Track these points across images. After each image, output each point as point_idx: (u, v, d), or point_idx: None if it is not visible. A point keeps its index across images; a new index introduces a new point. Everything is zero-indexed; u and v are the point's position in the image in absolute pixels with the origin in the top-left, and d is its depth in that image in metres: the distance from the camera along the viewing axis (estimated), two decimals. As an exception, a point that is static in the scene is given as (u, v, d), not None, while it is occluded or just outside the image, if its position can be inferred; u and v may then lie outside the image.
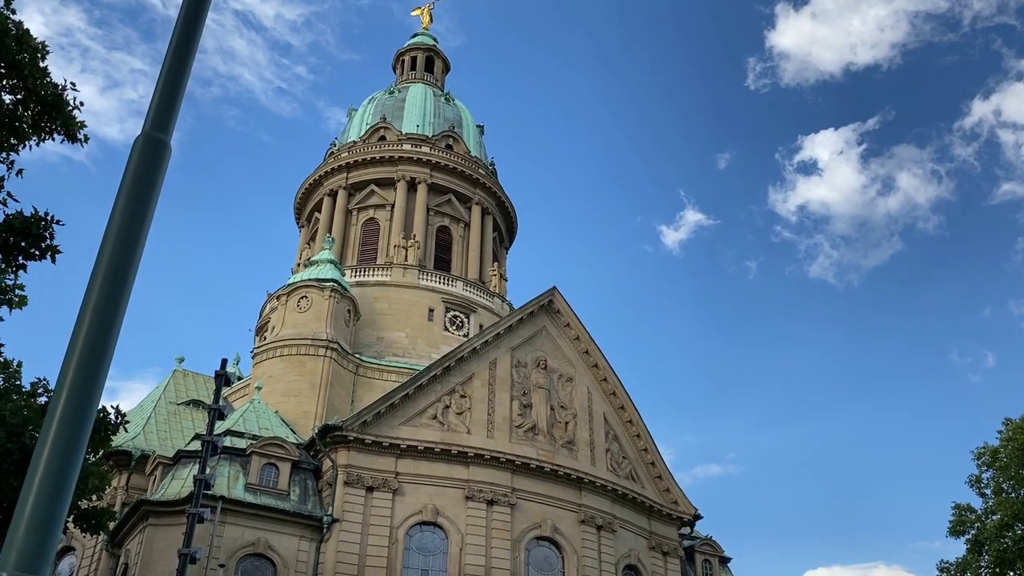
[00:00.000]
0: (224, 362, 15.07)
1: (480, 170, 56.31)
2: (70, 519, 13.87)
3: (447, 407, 38.82)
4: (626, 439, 43.44)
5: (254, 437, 36.22)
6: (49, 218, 11.31)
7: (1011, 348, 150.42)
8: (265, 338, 45.23)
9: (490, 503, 36.85)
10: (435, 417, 38.45)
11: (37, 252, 11.27)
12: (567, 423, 40.99)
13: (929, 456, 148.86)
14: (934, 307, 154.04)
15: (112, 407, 14.14)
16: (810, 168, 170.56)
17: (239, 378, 49.33)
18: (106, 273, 3.90)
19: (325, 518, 34.49)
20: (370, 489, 35.76)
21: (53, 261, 11.43)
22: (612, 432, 42.96)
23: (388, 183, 53.60)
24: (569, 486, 38.71)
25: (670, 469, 44.45)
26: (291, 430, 38.57)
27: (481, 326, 46.63)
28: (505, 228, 59.27)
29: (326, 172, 55.36)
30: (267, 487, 34.79)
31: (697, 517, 43.98)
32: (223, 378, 14.97)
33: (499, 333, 41.43)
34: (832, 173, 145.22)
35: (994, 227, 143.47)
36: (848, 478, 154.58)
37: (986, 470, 44.00)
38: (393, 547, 34.91)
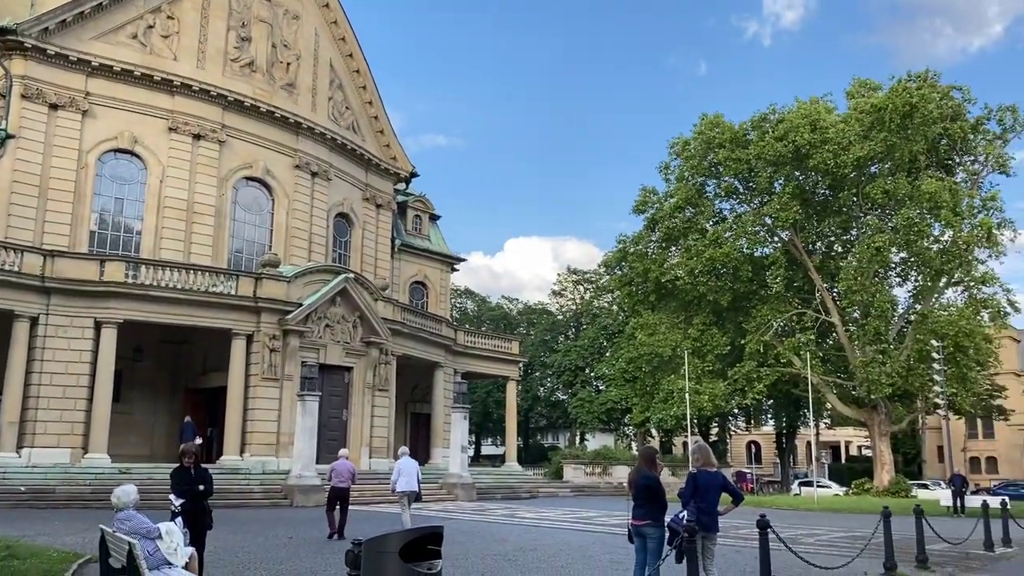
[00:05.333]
0: None
1: None
2: None
3: (151, 27, 34.30)
4: (351, 89, 41.85)
5: None
6: None
7: (723, 59, 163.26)
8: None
9: (197, 137, 34.50)
10: (135, 36, 33.93)
11: None
12: (289, 64, 38.29)
13: (632, 148, 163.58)
14: (663, 10, 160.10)
15: None
16: None
17: None
18: None
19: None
20: (54, 107, 31.71)
21: None
22: (337, 80, 41.03)
23: None
24: (286, 129, 37.12)
25: (398, 134, 44.15)
26: (-53, 25, 32.20)
27: (197, -61, 40.37)
28: None
29: None
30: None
31: (413, 175, 44.92)
32: None
33: (217, -51, 36.18)
34: None
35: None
36: (555, 160, 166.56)
37: (675, 159, 48.75)
38: (82, 172, 32.03)
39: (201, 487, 9.22)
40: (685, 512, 8.25)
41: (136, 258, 30.52)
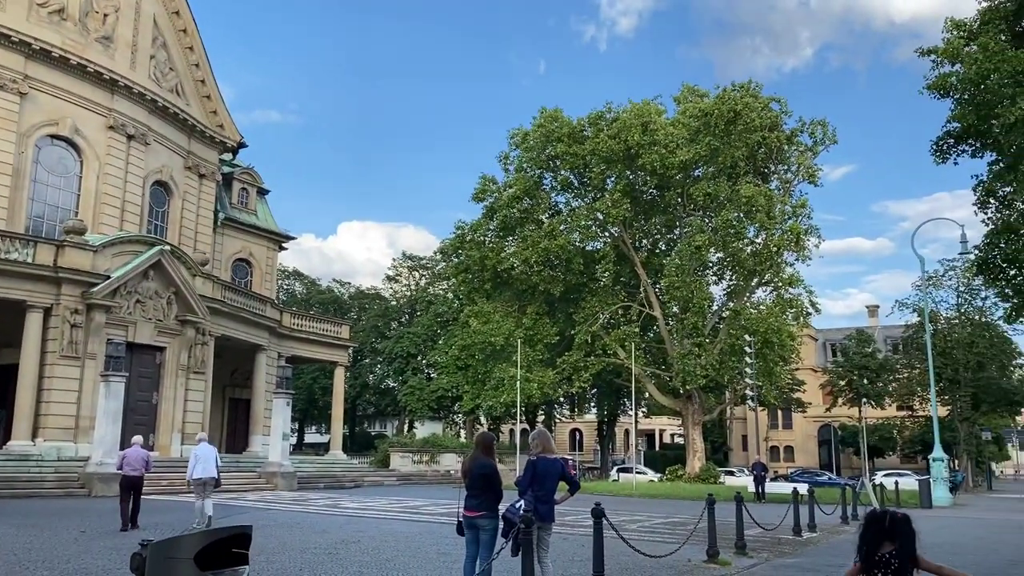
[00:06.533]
0: None
1: None
2: None
3: (-61, -43, 30.33)
4: (177, 50, 38.86)
5: None
6: None
7: (562, 59, 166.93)
8: None
9: (-7, 87, 30.88)
10: (-79, -34, 29.90)
11: None
12: (106, 15, 35.01)
13: (470, 140, 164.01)
14: (505, 6, 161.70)
15: None
16: None
17: None
18: None
19: None
20: None
21: None
22: (161, 39, 37.97)
23: None
24: (100, 86, 33.92)
25: (228, 107, 41.39)
26: None
27: None
28: None
29: None
30: None
31: (242, 145, 42.32)
32: None
33: None
34: None
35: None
36: (393, 146, 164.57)
37: (515, 149, 48.99)
38: None
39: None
40: (522, 502, 7.84)
41: (-90, 217, 26.84)
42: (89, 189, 33.63)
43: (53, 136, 32.86)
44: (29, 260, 26.82)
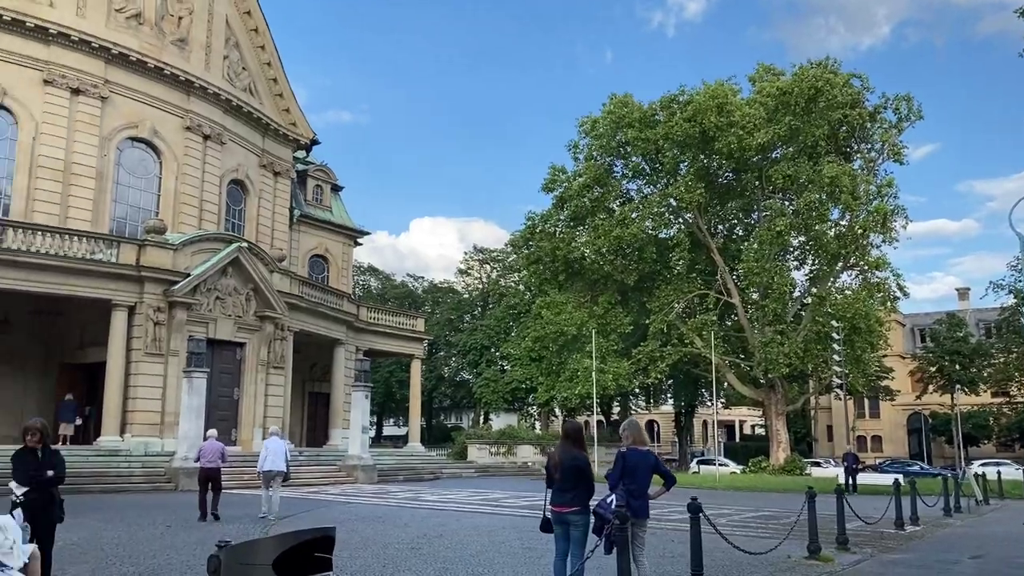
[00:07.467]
0: None
1: None
2: None
3: (23, -32, 31.25)
4: (249, 49, 39.41)
5: None
6: None
7: (629, 47, 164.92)
8: None
9: (76, 92, 31.71)
10: (6, -22, 30.84)
11: None
12: (181, 18, 35.67)
13: (538, 133, 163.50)
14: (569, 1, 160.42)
15: None
16: None
17: None
18: None
19: None
20: (-92, 51, 28.49)
21: None
22: (234, 39, 38.55)
23: None
24: (176, 88, 34.59)
25: (300, 106, 41.79)
26: None
27: None
28: None
29: None
30: None
31: (315, 142, 42.74)
32: None
33: None
34: None
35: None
36: (462, 141, 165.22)
37: (584, 137, 48.18)
38: (-60, 125, 28.97)
39: (50, 472, 7.75)
40: (613, 496, 7.35)
41: (3, 220, 27.73)
42: (168, 189, 34.35)
43: (133, 138, 33.64)
44: (113, 260, 27.46)
